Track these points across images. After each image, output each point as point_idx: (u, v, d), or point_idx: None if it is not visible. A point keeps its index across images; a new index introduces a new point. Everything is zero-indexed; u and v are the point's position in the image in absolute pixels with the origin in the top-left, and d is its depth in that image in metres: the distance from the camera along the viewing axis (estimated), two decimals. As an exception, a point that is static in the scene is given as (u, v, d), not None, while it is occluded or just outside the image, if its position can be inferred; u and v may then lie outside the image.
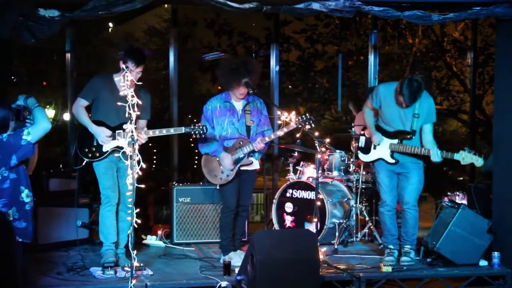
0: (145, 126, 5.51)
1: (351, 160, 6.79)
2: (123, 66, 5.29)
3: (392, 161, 5.72)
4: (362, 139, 6.06)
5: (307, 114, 5.62)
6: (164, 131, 5.44)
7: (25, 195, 4.36)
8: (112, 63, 5.62)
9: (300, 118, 5.60)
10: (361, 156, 6.05)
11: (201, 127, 5.40)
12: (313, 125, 5.60)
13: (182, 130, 5.44)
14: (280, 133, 5.79)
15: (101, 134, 5.39)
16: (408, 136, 5.66)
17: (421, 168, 5.78)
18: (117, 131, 5.42)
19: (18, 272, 4.69)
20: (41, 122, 4.43)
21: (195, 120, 5.55)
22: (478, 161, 5.54)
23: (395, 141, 5.70)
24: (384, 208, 5.81)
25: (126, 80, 5.04)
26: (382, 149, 5.78)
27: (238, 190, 5.76)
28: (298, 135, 6.14)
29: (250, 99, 5.79)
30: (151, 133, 5.38)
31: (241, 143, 5.69)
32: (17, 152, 4.30)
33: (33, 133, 4.37)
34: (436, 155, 5.54)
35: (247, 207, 5.95)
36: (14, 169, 4.31)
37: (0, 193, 4.26)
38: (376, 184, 6.01)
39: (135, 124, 5.37)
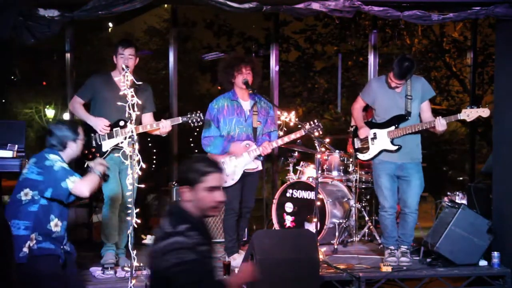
0: (152, 119, 5.52)
1: (351, 160, 6.79)
2: (116, 61, 5.45)
3: (394, 147, 5.69)
4: (357, 141, 5.98)
5: (316, 121, 5.61)
6: (169, 121, 5.44)
7: (54, 224, 4.21)
8: (112, 62, 5.63)
9: (309, 125, 5.58)
10: (361, 156, 5.96)
11: (197, 114, 5.39)
12: (321, 132, 5.59)
13: (180, 120, 5.45)
14: (288, 139, 5.71)
15: (99, 123, 5.40)
16: (405, 118, 5.66)
17: (421, 170, 5.78)
18: (114, 129, 5.43)
19: (14, 272, 4.68)
20: (85, 186, 4.28)
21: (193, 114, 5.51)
22: (485, 112, 5.51)
23: (392, 128, 5.70)
24: (385, 212, 5.78)
25: (126, 80, 5.06)
26: (382, 141, 5.75)
27: (241, 192, 5.71)
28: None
29: (256, 98, 5.72)
30: (150, 125, 5.38)
31: (247, 146, 5.63)
32: (54, 188, 4.20)
33: (76, 187, 4.24)
34: (440, 124, 5.51)
35: (251, 208, 5.86)
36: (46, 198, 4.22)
37: (25, 215, 4.12)
38: (374, 187, 5.97)
39: (140, 120, 5.42)
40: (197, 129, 5.87)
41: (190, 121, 5.42)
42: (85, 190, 4.28)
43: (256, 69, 5.63)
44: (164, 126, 5.36)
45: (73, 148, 4.44)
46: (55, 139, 4.36)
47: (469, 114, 5.54)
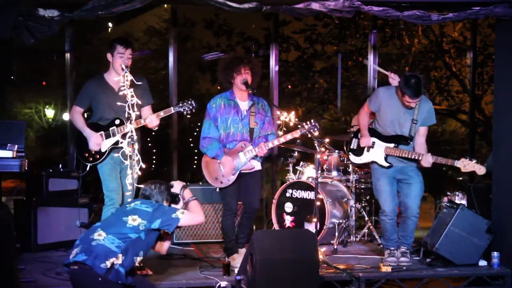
0: (151, 111, 5.51)
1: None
2: (113, 60, 5.40)
3: (386, 164, 5.69)
4: (354, 141, 5.98)
5: (313, 121, 5.57)
6: (154, 115, 5.42)
7: (139, 259, 4.37)
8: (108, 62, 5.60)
9: (306, 125, 5.55)
10: (352, 158, 5.96)
11: (189, 102, 5.39)
12: (317, 132, 5.56)
13: (172, 110, 5.44)
14: (284, 139, 5.64)
15: (92, 139, 5.41)
16: (407, 142, 5.65)
17: (421, 174, 5.78)
18: (110, 128, 5.43)
19: (16, 273, 4.69)
20: (198, 215, 4.63)
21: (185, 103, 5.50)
22: (481, 170, 5.51)
23: (391, 145, 5.69)
24: (386, 217, 5.76)
25: (126, 80, 5.05)
26: (377, 152, 5.75)
27: (239, 192, 5.67)
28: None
29: (255, 99, 5.69)
30: (142, 122, 5.37)
31: (243, 146, 5.59)
32: (163, 219, 4.38)
33: (186, 218, 4.48)
34: (426, 161, 5.52)
35: (255, 209, 5.76)
36: (147, 232, 4.36)
37: (124, 237, 4.26)
38: (374, 191, 5.96)
39: (140, 114, 5.40)
40: (197, 129, 5.86)
41: (182, 110, 5.41)
42: (199, 218, 4.64)
43: (255, 69, 5.62)
44: (150, 121, 5.35)
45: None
46: (154, 196, 4.59)
47: (466, 165, 5.52)
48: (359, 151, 5.89)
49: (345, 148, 6.38)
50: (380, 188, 5.77)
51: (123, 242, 4.22)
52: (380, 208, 5.83)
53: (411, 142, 5.67)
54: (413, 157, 5.60)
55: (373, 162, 5.78)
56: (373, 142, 5.78)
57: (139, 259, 4.35)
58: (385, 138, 5.74)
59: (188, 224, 4.74)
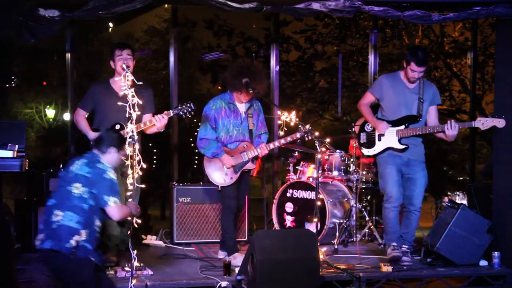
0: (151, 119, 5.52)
1: (351, 160, 6.79)
2: (114, 65, 5.45)
3: (402, 146, 5.70)
4: (363, 135, 6.03)
5: (308, 126, 5.62)
6: (157, 117, 5.41)
7: (98, 225, 4.35)
8: (111, 66, 5.62)
9: (304, 131, 5.59)
10: (365, 151, 5.98)
11: (188, 105, 5.39)
12: (310, 138, 5.60)
13: (170, 113, 5.43)
14: (284, 141, 5.77)
15: None
16: (417, 120, 5.70)
17: (425, 168, 5.81)
18: None
19: (15, 273, 4.70)
20: (119, 214, 4.45)
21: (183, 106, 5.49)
22: (500, 122, 5.54)
23: (402, 127, 5.72)
24: (390, 204, 5.75)
25: (127, 80, 5.06)
26: (389, 138, 5.76)
27: (237, 191, 5.78)
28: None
29: (251, 101, 5.78)
30: (144, 124, 5.38)
31: (245, 146, 5.68)
32: (98, 192, 4.33)
33: (114, 209, 4.37)
34: (451, 128, 5.55)
35: (242, 207, 5.98)
36: (93, 195, 4.34)
37: (79, 210, 4.24)
38: (379, 180, 5.95)
39: (141, 115, 5.39)
40: (198, 129, 5.87)
41: (181, 113, 5.40)
42: (118, 216, 4.44)
43: (262, 78, 5.66)
44: (159, 120, 5.35)
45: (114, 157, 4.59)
46: (103, 143, 4.52)
47: (484, 122, 5.58)
48: (370, 143, 5.91)
49: (354, 144, 6.36)
50: (387, 176, 5.76)
51: (81, 216, 4.22)
52: (385, 196, 5.81)
53: (420, 120, 5.72)
54: (432, 130, 5.64)
55: (388, 148, 5.77)
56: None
57: (98, 223, 4.32)
58: (394, 123, 5.76)
59: (108, 214, 4.42)
